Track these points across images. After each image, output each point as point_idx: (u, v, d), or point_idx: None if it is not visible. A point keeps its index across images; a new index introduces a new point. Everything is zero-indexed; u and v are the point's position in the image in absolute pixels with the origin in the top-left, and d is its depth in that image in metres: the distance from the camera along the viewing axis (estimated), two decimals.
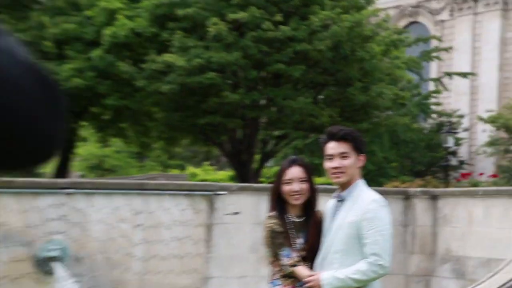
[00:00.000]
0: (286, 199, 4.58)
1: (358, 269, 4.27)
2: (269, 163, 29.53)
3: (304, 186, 4.56)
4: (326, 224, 4.53)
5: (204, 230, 10.63)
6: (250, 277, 10.87)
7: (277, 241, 4.52)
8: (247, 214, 10.93)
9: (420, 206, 12.01)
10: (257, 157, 22.37)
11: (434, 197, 12.01)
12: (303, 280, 4.41)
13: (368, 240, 4.28)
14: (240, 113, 18.73)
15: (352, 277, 4.26)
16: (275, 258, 4.56)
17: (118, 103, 18.56)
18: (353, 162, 4.41)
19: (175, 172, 30.67)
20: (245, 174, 19.62)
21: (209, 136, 20.40)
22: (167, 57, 17.51)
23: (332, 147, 4.44)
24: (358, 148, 4.44)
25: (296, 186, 4.55)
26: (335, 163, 4.42)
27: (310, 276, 4.38)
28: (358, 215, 4.33)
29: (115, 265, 10.05)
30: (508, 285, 8.22)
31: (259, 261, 10.69)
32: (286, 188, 4.57)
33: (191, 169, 30.24)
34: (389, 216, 4.36)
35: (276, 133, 21.80)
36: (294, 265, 4.48)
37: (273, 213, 4.60)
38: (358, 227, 4.32)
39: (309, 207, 4.62)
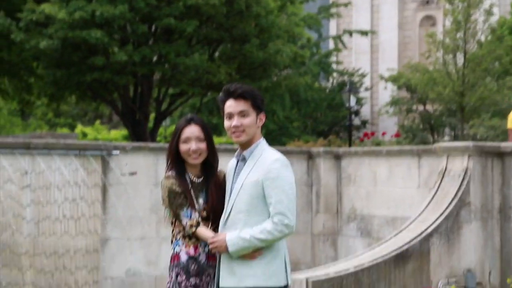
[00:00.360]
0: (184, 158, 4.63)
1: (263, 228, 4.37)
2: (166, 122, 29.42)
3: (202, 145, 4.62)
4: (228, 184, 4.61)
5: (99, 191, 10.57)
6: (151, 238, 10.93)
7: (177, 201, 4.56)
8: (144, 174, 10.94)
9: (324, 166, 12.31)
10: (152, 116, 22.24)
11: (337, 157, 12.33)
12: (207, 241, 4.49)
13: (272, 199, 4.38)
14: (131, 70, 18.51)
15: (258, 237, 4.36)
16: (176, 219, 4.61)
17: None
18: (253, 120, 4.49)
19: (64, 131, 30.08)
20: (140, 134, 19.48)
21: (98, 93, 20.07)
22: (47, 8, 16.99)
23: (230, 105, 4.51)
24: (258, 106, 4.51)
25: (193, 145, 4.61)
26: (235, 121, 4.49)
27: (214, 237, 4.46)
28: (261, 174, 4.41)
29: (4, 228, 9.89)
30: (412, 243, 8.58)
31: (160, 222, 10.76)
32: (183, 147, 4.61)
33: (81, 128, 29.75)
34: (292, 175, 4.47)
35: (171, 91, 21.69)
36: (195, 226, 4.54)
37: (171, 173, 4.64)
38: (261, 186, 4.41)
39: (208, 167, 4.69)
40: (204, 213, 4.59)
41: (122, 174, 10.74)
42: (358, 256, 8.64)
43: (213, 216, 4.60)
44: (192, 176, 4.65)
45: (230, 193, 4.53)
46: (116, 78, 18.21)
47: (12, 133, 29.45)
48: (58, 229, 10.25)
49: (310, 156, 12.46)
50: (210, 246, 4.46)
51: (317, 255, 12.29)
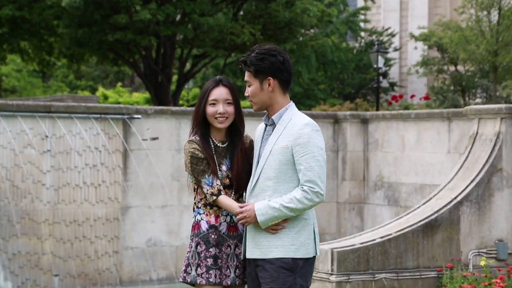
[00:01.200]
0: (210, 122, 4.56)
1: (292, 197, 4.32)
2: (188, 85, 29.37)
3: (230, 108, 4.55)
4: (256, 150, 4.54)
5: (120, 157, 10.57)
6: (173, 206, 10.93)
7: (198, 167, 4.50)
8: (166, 139, 10.92)
9: (350, 131, 12.24)
10: (175, 78, 22.17)
11: (364, 121, 12.25)
12: (233, 212, 4.43)
13: (302, 166, 4.33)
14: (154, 30, 18.40)
15: (287, 205, 4.31)
16: (198, 185, 4.55)
17: (14, 14, 17.83)
18: (256, 88, 4.43)
19: (85, 93, 30.11)
20: (162, 97, 19.43)
21: (120, 54, 20.01)
22: None
23: (245, 75, 4.50)
24: (262, 72, 4.42)
25: (221, 108, 4.53)
26: (247, 91, 4.50)
27: (242, 207, 4.40)
28: (290, 140, 4.36)
29: (23, 194, 9.93)
30: (441, 212, 8.49)
31: (182, 189, 10.75)
32: (210, 109, 4.54)
33: (102, 91, 29.76)
34: (322, 141, 4.41)
35: (194, 51, 21.58)
36: (216, 194, 4.48)
37: (194, 137, 4.57)
38: (290, 152, 4.35)
39: (234, 132, 4.61)
40: (227, 181, 4.54)
41: (143, 139, 10.73)
42: (385, 225, 8.58)
43: (237, 184, 4.55)
44: (217, 141, 4.59)
45: (258, 159, 4.48)
46: (139, 38, 18.10)
47: (33, 95, 29.53)
48: (78, 197, 10.28)
49: (336, 120, 12.40)
50: (238, 217, 4.41)
51: (343, 224, 12.28)
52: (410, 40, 29.06)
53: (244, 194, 4.60)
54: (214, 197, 4.47)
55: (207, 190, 4.48)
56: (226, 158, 4.58)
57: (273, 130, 4.46)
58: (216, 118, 4.53)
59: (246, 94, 4.48)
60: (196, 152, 4.51)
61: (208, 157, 4.51)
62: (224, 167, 4.55)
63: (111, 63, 21.94)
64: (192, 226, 4.60)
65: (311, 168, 4.31)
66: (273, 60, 4.40)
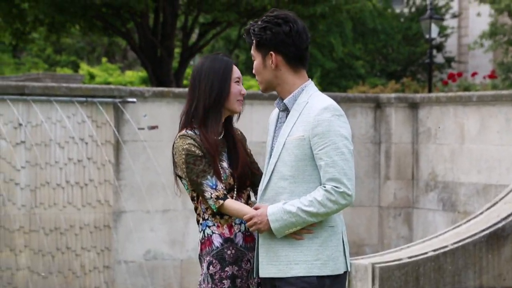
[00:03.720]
0: (228, 105, 4.58)
1: (313, 199, 4.32)
2: (194, 60, 29.48)
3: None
4: (268, 142, 4.56)
5: (111, 150, 10.66)
6: (176, 211, 11.01)
7: (197, 167, 4.48)
8: (167, 128, 10.98)
9: (396, 118, 12.29)
10: (177, 52, 22.26)
11: (414, 106, 12.29)
12: (244, 217, 4.44)
13: (322, 162, 4.33)
14: None
15: (307, 209, 4.31)
16: (197, 191, 4.50)
17: None
18: (259, 63, 4.47)
19: (66, 71, 30.20)
20: (163, 75, 19.53)
21: (110, 22, 20.13)
22: None
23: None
24: (263, 45, 4.44)
25: (243, 88, 4.62)
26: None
27: (253, 211, 4.41)
28: (307, 129, 4.36)
29: None
30: (511, 219, 8.53)
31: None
32: (236, 88, 4.59)
33: (87, 68, 29.84)
34: (348, 128, 4.42)
35: (202, 19, 21.66)
36: (222, 198, 4.46)
37: (186, 132, 4.54)
38: (308, 145, 4.36)
39: (228, 120, 4.67)
40: (231, 180, 4.56)
41: (140, 128, 10.80)
42: (440, 235, 8.63)
43: (239, 183, 4.59)
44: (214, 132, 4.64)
45: (270, 154, 4.49)
46: (132, 2, 18.22)
47: (2, 74, 29.67)
48: (60, 199, 10.38)
49: (378, 105, 12.45)
50: (248, 223, 4.42)
51: (386, 234, 12.33)
52: (472, 3, 28.98)
53: (250, 194, 4.65)
54: (221, 201, 4.45)
55: (211, 194, 4.45)
56: (225, 152, 4.61)
57: (286, 117, 4.48)
58: (238, 100, 4.60)
59: (254, 70, 4.54)
60: (193, 149, 4.49)
61: (209, 154, 4.49)
62: (225, 164, 4.58)
63: (99, 33, 22.02)
64: (201, 243, 4.59)
65: (334, 163, 4.31)
66: (276, 31, 4.41)
